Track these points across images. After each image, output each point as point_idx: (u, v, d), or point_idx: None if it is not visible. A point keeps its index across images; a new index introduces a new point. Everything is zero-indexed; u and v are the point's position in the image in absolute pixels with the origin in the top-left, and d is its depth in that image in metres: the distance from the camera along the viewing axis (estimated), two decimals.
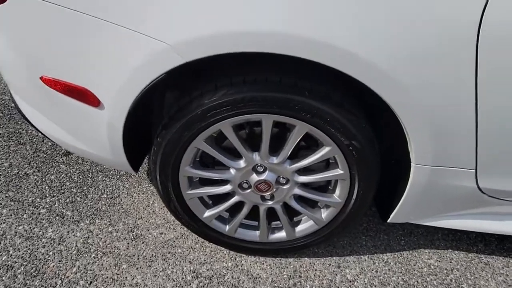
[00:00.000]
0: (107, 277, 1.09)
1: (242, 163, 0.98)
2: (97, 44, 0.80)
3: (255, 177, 1.01)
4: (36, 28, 0.83)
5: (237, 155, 0.98)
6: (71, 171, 1.45)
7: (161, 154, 0.96)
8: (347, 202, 1.03)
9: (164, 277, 1.10)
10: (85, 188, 1.38)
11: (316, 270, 1.16)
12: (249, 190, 1.04)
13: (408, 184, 0.95)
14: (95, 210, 1.30)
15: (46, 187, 1.37)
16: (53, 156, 1.52)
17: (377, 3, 0.69)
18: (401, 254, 1.23)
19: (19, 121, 1.70)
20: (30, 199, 1.32)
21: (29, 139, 1.60)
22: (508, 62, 0.72)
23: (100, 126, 0.93)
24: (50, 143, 1.58)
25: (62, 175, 1.43)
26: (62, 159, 1.50)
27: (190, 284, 1.09)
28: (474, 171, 0.90)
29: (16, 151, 1.53)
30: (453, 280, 1.16)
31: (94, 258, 1.14)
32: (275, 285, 1.11)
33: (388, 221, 1.09)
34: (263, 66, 0.85)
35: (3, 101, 1.81)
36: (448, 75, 0.74)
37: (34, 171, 1.44)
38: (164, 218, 1.29)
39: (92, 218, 1.27)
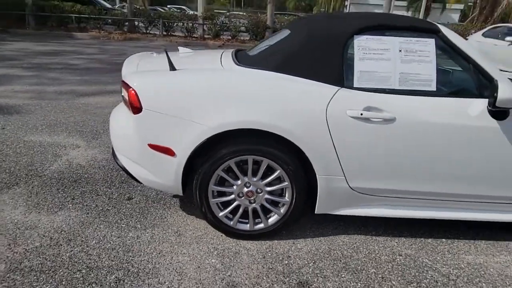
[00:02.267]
0: (168, 251, 2.01)
1: (239, 182, 2.04)
2: (178, 127, 1.92)
3: (245, 189, 2.05)
4: (149, 122, 1.94)
5: (236, 178, 2.04)
6: (134, 207, 2.43)
7: (200, 178, 2.00)
8: (292, 201, 2.07)
9: (197, 249, 2.03)
10: (145, 214, 2.35)
11: (280, 243, 2.12)
12: (243, 198, 2.07)
13: (318, 187, 2.02)
14: (153, 224, 2.25)
15: (122, 215, 2.33)
16: (121, 200, 2.50)
17: (286, 108, 1.87)
18: (330, 238, 2.21)
19: (93, 184, 2.70)
20: (114, 220, 2.27)
21: (103, 193, 2.59)
22: (340, 124, 1.88)
23: (172, 166, 1.99)
24: (117, 194, 2.57)
25: (130, 210, 2.40)
26: (128, 201, 2.49)
27: (213, 252, 2.02)
28: (344, 177, 1.99)
29: (97, 199, 2.51)
30: (355, 246, 2.13)
31: (158, 243, 2.07)
32: (259, 252, 2.05)
33: (315, 212, 2.11)
34: (249, 135, 1.97)
35: (79, 174, 2.83)
36: (318, 133, 1.89)
37: (111, 208, 2.40)
38: (194, 227, 2.24)
39: (153, 227, 2.21)
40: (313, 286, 1.82)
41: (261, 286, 1.80)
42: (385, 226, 2.36)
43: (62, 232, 2.12)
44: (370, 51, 1.97)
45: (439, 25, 2.06)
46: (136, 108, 1.96)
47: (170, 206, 2.47)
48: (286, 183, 2.03)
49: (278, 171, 2.00)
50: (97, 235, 2.11)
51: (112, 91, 5.66)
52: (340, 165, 1.97)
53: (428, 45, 1.99)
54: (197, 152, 1.99)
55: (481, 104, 1.94)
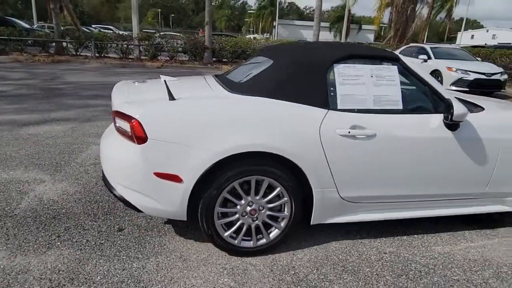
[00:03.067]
0: (179, 276, 2.03)
1: (243, 201, 2.16)
2: (185, 155, 2.00)
3: (248, 208, 2.18)
4: (155, 151, 1.99)
5: (239, 198, 2.16)
6: (129, 238, 2.39)
7: (206, 202, 2.08)
8: (291, 215, 2.25)
9: (207, 271, 2.09)
10: (142, 243, 2.33)
11: (282, 256, 2.27)
12: (246, 216, 2.19)
13: (314, 200, 2.23)
14: (155, 252, 2.25)
15: (119, 247, 2.28)
16: (112, 232, 2.44)
17: (285, 130, 2.07)
18: (324, 245, 2.43)
19: (76, 218, 2.58)
20: (112, 253, 2.21)
21: (90, 227, 2.49)
22: (332, 143, 2.13)
23: (179, 192, 2.05)
24: (105, 226, 2.50)
25: (125, 241, 2.35)
26: (119, 233, 2.44)
27: (223, 271, 2.10)
28: (335, 188, 2.24)
29: (85, 233, 2.41)
30: (346, 250, 2.38)
31: (166, 270, 2.08)
32: (265, 266, 2.18)
33: (311, 223, 2.31)
34: (252, 157, 2.12)
35: (56, 210, 2.68)
36: (313, 151, 2.11)
37: (105, 241, 2.34)
38: (196, 249, 2.29)
39: (155, 255, 2.21)
40: None
41: None
42: (366, 229, 2.65)
43: (61, 272, 2.02)
44: (348, 77, 2.28)
45: (398, 55, 2.45)
46: (140, 138, 1.99)
47: (165, 232, 2.47)
48: (286, 198, 2.21)
49: (279, 188, 2.17)
50: (100, 270, 2.05)
51: (57, 119, 5.33)
52: (333, 178, 2.21)
53: (393, 70, 2.36)
54: (202, 177, 2.08)
55: (438, 118, 2.35)
